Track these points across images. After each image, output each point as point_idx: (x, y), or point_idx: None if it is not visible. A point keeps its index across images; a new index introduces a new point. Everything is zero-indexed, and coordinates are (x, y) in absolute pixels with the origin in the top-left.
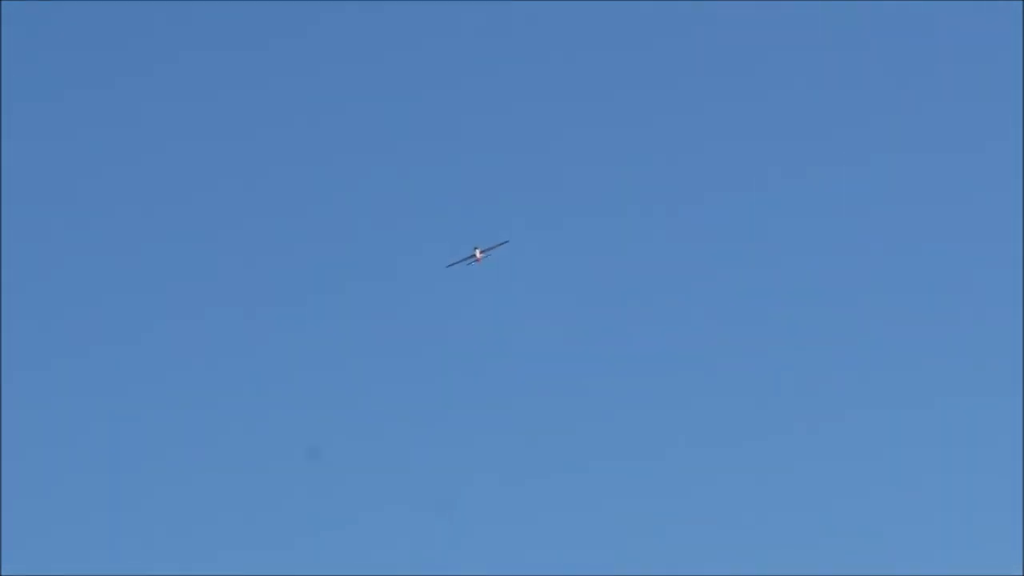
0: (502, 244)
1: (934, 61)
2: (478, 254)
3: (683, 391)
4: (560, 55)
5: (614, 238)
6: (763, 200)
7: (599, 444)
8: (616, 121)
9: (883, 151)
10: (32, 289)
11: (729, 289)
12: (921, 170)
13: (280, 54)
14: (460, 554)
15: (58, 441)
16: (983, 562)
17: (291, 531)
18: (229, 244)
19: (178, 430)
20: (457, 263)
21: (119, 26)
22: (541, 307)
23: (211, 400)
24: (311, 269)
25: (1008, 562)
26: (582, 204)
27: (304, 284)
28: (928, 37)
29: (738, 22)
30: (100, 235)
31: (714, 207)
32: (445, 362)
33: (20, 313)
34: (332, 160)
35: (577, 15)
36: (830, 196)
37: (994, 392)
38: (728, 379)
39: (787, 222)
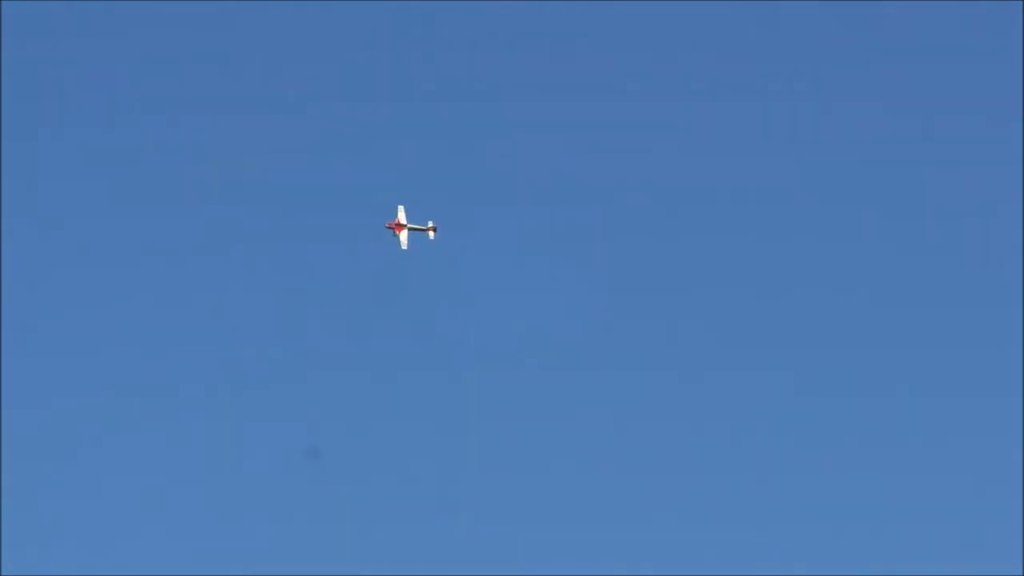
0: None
1: (934, 61)
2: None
3: (681, 387)
4: (556, 54)
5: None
6: (761, 198)
7: (599, 442)
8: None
9: (882, 151)
10: (32, 289)
11: (727, 287)
12: (921, 170)
13: (278, 53)
14: (460, 554)
15: (58, 441)
16: (983, 562)
17: (291, 531)
18: (228, 243)
19: (178, 430)
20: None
21: (119, 26)
22: (540, 305)
23: (211, 399)
24: (309, 268)
25: (1008, 562)
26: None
27: (303, 283)
28: (928, 37)
29: (737, 22)
30: (99, 235)
31: (711, 206)
32: (444, 362)
33: (20, 313)
34: (332, 158)
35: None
36: (828, 196)
37: (994, 392)
38: (727, 378)
39: (784, 221)
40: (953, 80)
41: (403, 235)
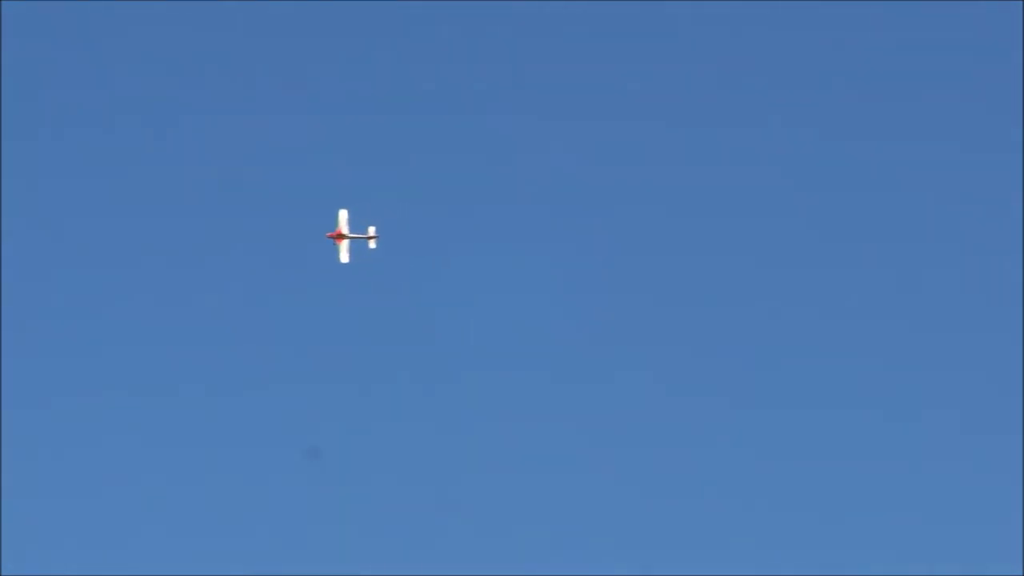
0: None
1: (934, 61)
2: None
3: (681, 389)
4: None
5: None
6: (759, 199)
7: (599, 443)
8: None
9: (883, 151)
10: (33, 289)
11: (727, 289)
12: (921, 170)
13: (279, 53)
14: (460, 554)
15: (58, 441)
16: (983, 562)
17: (291, 531)
18: (228, 243)
19: (178, 429)
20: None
21: (119, 26)
22: (540, 306)
23: (210, 399)
24: (309, 268)
25: (1008, 562)
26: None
27: (303, 283)
28: (928, 37)
29: (738, 22)
30: (100, 235)
31: (710, 207)
32: (444, 361)
33: (21, 313)
34: (331, 159)
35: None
36: (828, 197)
37: (994, 392)
38: (726, 379)
39: (783, 223)
40: (953, 81)
41: (344, 246)
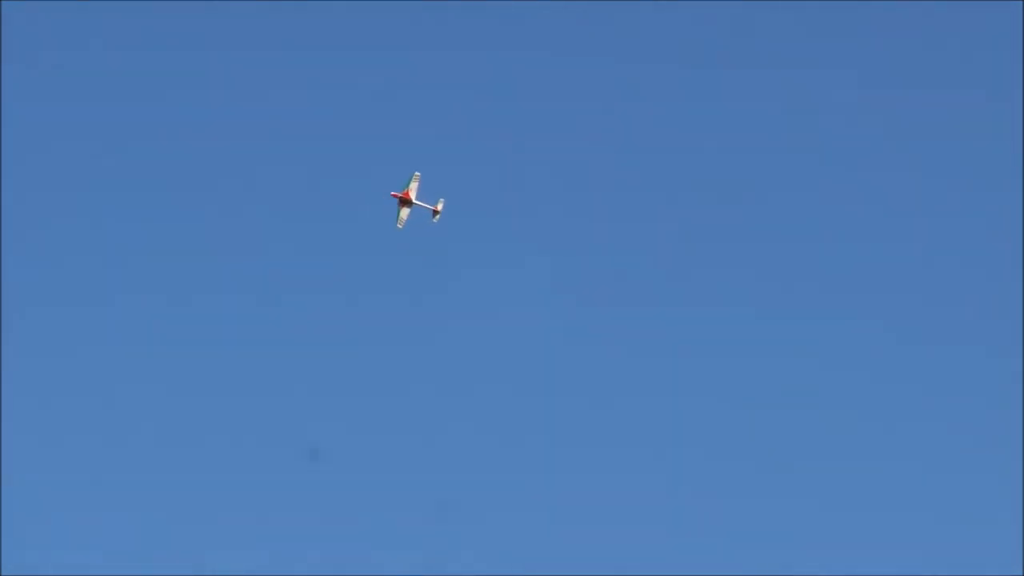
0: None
1: (934, 61)
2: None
3: (681, 391)
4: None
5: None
6: (760, 200)
7: (597, 443)
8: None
9: (883, 151)
10: (33, 289)
11: (726, 289)
12: (922, 170)
13: (284, 50)
14: (460, 554)
15: (58, 441)
16: (983, 562)
17: (291, 531)
18: (228, 242)
19: (178, 429)
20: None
21: (120, 26)
22: (541, 305)
23: (211, 399)
24: (313, 268)
25: (1008, 562)
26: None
27: (307, 283)
28: (928, 37)
29: (738, 22)
30: (100, 235)
31: (711, 208)
32: (443, 361)
33: (21, 313)
34: (336, 160)
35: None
36: (828, 198)
37: (994, 392)
38: (727, 378)
39: (783, 222)
40: (952, 81)
41: (405, 212)
